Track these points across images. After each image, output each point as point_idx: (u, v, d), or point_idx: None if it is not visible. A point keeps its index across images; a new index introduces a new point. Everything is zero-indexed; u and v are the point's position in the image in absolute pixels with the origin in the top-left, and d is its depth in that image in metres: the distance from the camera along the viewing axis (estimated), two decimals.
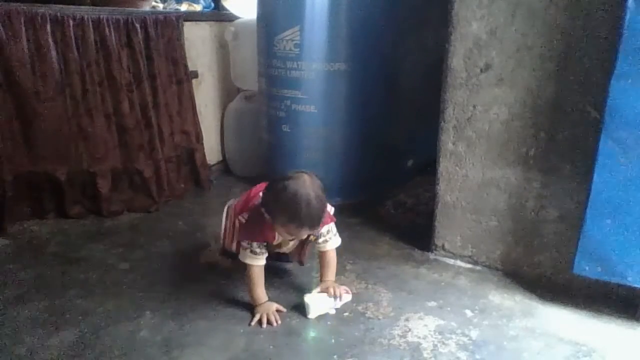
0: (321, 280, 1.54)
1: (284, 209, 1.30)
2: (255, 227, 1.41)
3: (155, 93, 2.22)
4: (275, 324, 1.39)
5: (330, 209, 1.45)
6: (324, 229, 1.47)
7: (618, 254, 1.32)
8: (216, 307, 1.48)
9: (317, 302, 1.44)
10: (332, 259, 1.54)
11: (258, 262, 1.43)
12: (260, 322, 1.39)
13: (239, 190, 2.49)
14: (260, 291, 1.45)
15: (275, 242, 1.46)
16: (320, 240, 1.49)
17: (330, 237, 1.51)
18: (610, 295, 1.47)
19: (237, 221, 1.52)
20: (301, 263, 1.63)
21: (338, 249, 1.53)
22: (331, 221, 1.49)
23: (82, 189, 2.12)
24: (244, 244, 1.43)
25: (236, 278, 1.58)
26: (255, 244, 1.41)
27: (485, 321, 1.42)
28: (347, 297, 1.51)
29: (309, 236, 1.46)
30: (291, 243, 1.53)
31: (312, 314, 1.42)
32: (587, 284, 1.48)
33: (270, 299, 1.46)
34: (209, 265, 1.71)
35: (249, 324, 1.39)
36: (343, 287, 1.52)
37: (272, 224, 1.35)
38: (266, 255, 1.44)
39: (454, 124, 1.63)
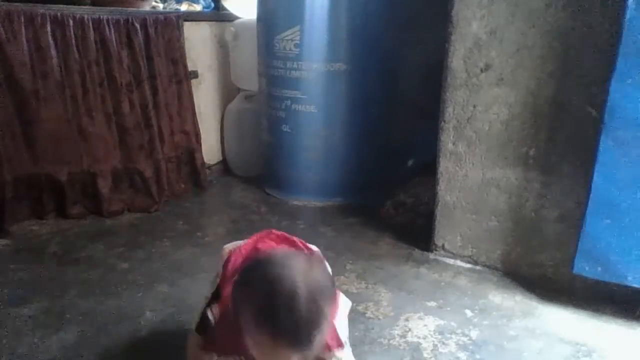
0: None
1: (252, 309, 0.78)
2: (226, 332, 0.92)
3: (156, 93, 2.22)
4: None
5: (345, 303, 0.98)
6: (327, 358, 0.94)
7: (618, 254, 1.32)
8: None
9: None
10: None
11: None
12: None
13: (239, 190, 2.50)
14: None
15: None
16: None
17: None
18: (610, 295, 1.47)
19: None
20: None
21: (339, 249, 1.51)
22: (338, 346, 0.94)
23: (83, 189, 2.12)
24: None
25: None
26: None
27: (485, 321, 1.42)
28: None
29: None
30: None
31: None
32: (587, 284, 1.48)
33: None
34: None
35: None
36: None
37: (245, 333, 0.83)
38: None
39: (454, 124, 1.63)
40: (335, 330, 0.93)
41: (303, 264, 0.81)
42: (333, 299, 0.83)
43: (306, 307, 0.75)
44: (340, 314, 0.96)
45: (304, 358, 0.80)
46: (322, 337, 0.79)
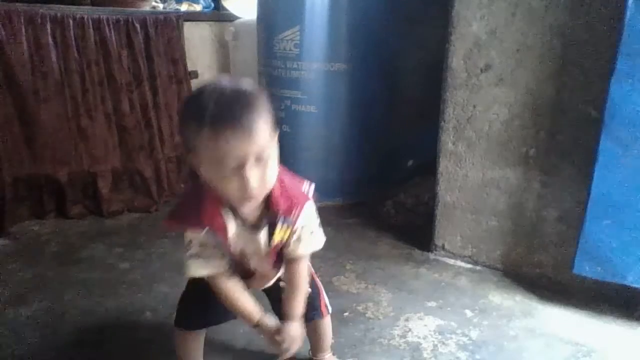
0: (282, 318, 0.98)
1: (188, 116, 0.80)
2: (189, 203, 0.91)
3: (156, 93, 2.22)
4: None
5: (307, 187, 0.96)
6: (299, 220, 0.92)
7: (618, 254, 1.32)
8: None
9: None
10: (300, 276, 0.98)
11: (212, 270, 0.91)
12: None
13: None
14: (249, 305, 0.95)
15: (230, 241, 0.90)
16: (292, 239, 0.95)
17: (305, 235, 0.95)
18: (610, 295, 1.47)
19: None
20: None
21: (339, 249, 1.50)
22: (305, 201, 0.93)
23: (83, 189, 2.12)
24: (186, 245, 0.91)
25: None
26: (193, 240, 0.89)
27: (485, 321, 1.42)
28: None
29: (273, 231, 0.91)
30: (262, 246, 0.93)
31: None
32: (587, 284, 1.48)
33: None
34: None
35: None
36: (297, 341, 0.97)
37: (197, 164, 0.82)
38: (225, 260, 0.92)
39: (454, 124, 1.63)
40: (300, 190, 0.93)
41: (227, 77, 0.84)
42: (269, 108, 0.81)
43: (234, 96, 0.77)
44: (307, 186, 0.96)
45: (255, 153, 0.78)
46: (264, 125, 0.78)
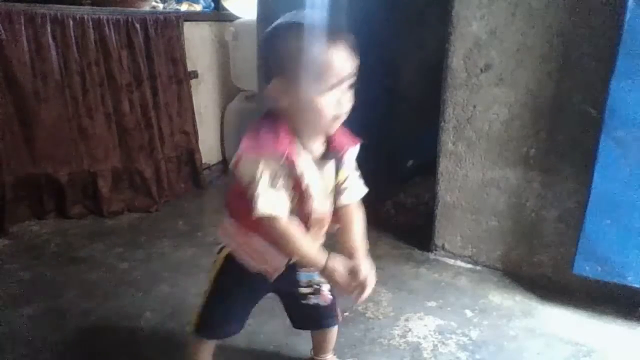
0: (348, 254, 1.00)
1: (284, 32, 0.90)
2: (264, 133, 0.89)
3: (156, 93, 2.22)
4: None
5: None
6: (351, 163, 1.01)
7: (618, 254, 1.32)
8: None
9: None
10: (355, 211, 1.04)
11: (281, 209, 0.85)
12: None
13: None
14: (313, 247, 0.93)
15: (300, 173, 0.87)
16: (343, 185, 1.01)
17: (354, 180, 1.04)
18: (610, 295, 1.47)
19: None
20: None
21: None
22: (356, 144, 1.02)
23: (83, 189, 2.12)
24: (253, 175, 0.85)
25: None
26: (266, 172, 0.84)
27: (485, 321, 1.42)
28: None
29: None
30: (325, 181, 0.97)
31: None
32: (587, 284, 1.48)
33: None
34: None
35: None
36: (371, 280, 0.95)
37: (285, 89, 0.86)
38: (289, 201, 0.88)
39: (454, 124, 1.63)
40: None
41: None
42: None
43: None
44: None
45: (353, 73, 0.89)
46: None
